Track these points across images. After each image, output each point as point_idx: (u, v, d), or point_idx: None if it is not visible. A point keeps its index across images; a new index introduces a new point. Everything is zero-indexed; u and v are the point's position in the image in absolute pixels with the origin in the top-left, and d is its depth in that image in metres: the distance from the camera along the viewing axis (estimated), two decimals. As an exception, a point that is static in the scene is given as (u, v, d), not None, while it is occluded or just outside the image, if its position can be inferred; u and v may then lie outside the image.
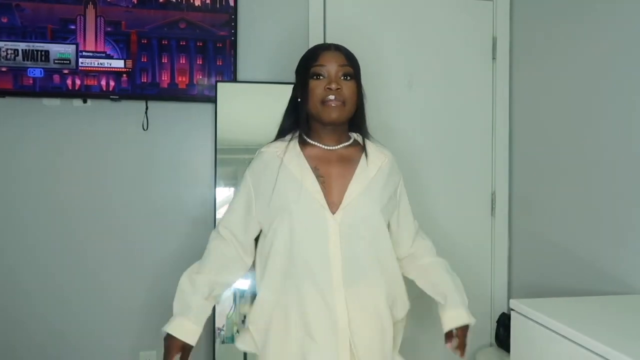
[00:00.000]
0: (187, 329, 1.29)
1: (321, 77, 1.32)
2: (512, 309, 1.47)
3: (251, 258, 1.40)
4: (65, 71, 1.96)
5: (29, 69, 1.94)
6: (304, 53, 1.42)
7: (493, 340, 2.32)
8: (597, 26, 1.81)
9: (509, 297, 2.34)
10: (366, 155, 1.37)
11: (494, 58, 2.35)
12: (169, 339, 1.29)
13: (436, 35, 2.31)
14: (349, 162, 1.36)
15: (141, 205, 2.14)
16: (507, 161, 2.35)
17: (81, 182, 2.10)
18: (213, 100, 2.08)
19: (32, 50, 1.94)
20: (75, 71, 1.97)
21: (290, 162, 1.32)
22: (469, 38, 2.33)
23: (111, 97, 2.03)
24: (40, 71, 1.94)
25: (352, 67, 1.35)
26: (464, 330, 1.39)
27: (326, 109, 1.30)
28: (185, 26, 2.05)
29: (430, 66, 2.31)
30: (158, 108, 2.13)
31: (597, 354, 1.12)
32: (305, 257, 1.27)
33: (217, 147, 2.07)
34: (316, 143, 1.36)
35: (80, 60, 1.98)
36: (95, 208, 2.11)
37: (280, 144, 1.36)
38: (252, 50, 2.18)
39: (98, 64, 1.99)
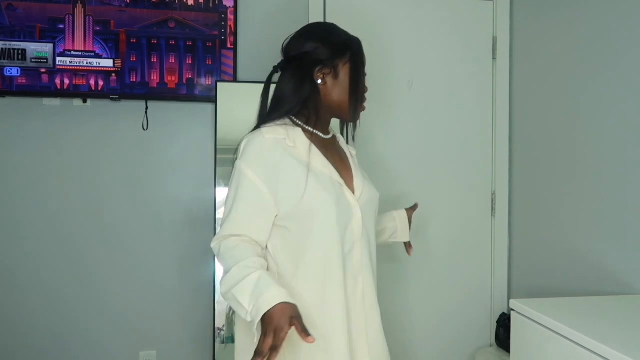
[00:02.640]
0: (279, 293, 1.04)
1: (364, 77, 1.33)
2: (512, 309, 1.47)
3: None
4: (43, 70, 1.96)
5: (5, 68, 1.93)
6: (337, 31, 1.31)
7: (493, 340, 2.32)
8: (597, 26, 1.81)
9: (509, 297, 2.34)
10: (353, 138, 1.38)
11: (494, 58, 2.35)
12: (270, 315, 1.01)
13: (436, 35, 2.31)
14: (339, 150, 1.36)
15: (141, 205, 2.14)
16: (507, 161, 2.35)
17: (81, 182, 2.10)
18: (213, 100, 2.08)
19: (9, 49, 1.93)
20: (53, 70, 1.96)
21: (314, 158, 1.20)
22: (469, 38, 2.33)
23: (111, 97, 2.03)
24: (17, 70, 1.94)
25: None
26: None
27: (360, 110, 1.32)
28: (175, 25, 2.05)
29: (430, 66, 2.31)
30: (158, 108, 2.13)
31: (597, 354, 1.12)
32: (338, 250, 1.19)
33: (217, 147, 2.07)
34: (318, 132, 1.27)
35: (64, 59, 1.97)
36: (95, 208, 2.11)
37: (282, 131, 1.20)
38: (252, 50, 2.18)
39: (87, 63, 1.99)
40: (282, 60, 1.29)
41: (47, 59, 1.95)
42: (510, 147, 2.35)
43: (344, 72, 1.25)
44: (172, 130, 2.16)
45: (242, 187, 1.16)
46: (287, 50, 1.28)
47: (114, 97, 2.03)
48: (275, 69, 1.30)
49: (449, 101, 2.32)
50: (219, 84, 2.06)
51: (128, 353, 2.13)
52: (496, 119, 2.35)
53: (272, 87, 1.32)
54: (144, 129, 2.13)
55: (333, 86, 1.25)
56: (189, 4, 2.07)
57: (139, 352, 2.14)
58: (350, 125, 1.36)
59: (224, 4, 2.10)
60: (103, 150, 2.12)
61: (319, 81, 1.24)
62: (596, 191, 1.80)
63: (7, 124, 2.05)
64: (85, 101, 2.08)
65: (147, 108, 2.11)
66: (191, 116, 2.16)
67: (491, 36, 2.35)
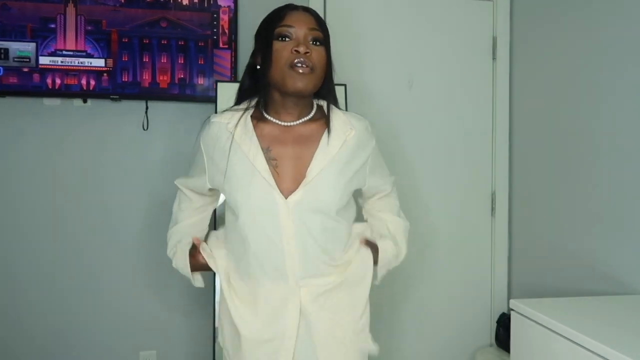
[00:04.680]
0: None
1: (287, 39, 1.16)
2: (512, 309, 1.47)
3: (216, 204, 1.43)
4: (25, 69, 1.95)
5: None
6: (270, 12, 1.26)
7: (493, 340, 2.32)
8: (597, 26, 1.81)
9: (509, 297, 2.34)
10: (329, 131, 1.22)
11: (494, 58, 2.35)
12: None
13: (436, 35, 2.31)
14: (307, 142, 1.21)
15: (141, 205, 2.14)
16: (507, 161, 2.35)
17: (81, 182, 2.10)
18: (213, 100, 2.08)
19: None
20: (35, 69, 1.95)
21: (242, 140, 1.19)
22: (469, 38, 2.33)
23: (111, 97, 2.03)
24: (0, 69, 1.94)
25: (322, 32, 1.20)
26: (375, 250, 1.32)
27: (293, 75, 1.14)
28: (167, 25, 2.05)
29: (430, 66, 2.31)
30: (158, 108, 2.13)
31: (597, 354, 1.12)
32: (255, 249, 1.19)
33: (217, 147, 2.07)
34: (272, 119, 1.22)
35: (55, 58, 1.97)
36: (95, 208, 2.11)
37: (232, 115, 1.23)
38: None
39: (79, 62, 1.99)
40: None
41: (29, 58, 1.95)
42: (510, 147, 2.35)
43: (264, 46, 1.21)
44: (172, 130, 2.16)
45: (195, 156, 1.31)
46: None
47: (114, 97, 2.03)
48: None
49: (449, 101, 2.32)
50: (218, 84, 2.06)
51: (128, 353, 2.13)
52: (496, 119, 2.35)
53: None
54: (144, 129, 2.13)
55: (265, 62, 1.20)
56: (184, 3, 2.07)
57: (139, 352, 2.14)
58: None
59: (219, 3, 2.10)
60: (103, 150, 2.12)
61: (258, 66, 1.23)
62: (596, 191, 1.80)
63: (7, 124, 2.05)
64: (85, 101, 2.08)
65: (147, 108, 2.11)
66: (191, 116, 2.16)
67: (491, 36, 2.35)
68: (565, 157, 1.96)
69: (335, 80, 1.29)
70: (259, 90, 1.23)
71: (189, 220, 1.37)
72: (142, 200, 2.15)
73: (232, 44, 2.12)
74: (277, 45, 1.17)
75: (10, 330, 2.06)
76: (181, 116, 2.16)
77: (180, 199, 1.40)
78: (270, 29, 1.19)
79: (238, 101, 1.29)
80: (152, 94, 2.07)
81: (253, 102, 1.25)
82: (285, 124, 1.22)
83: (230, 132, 1.20)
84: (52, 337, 2.08)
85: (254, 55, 1.26)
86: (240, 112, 1.23)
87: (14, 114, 2.05)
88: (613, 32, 1.74)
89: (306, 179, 1.17)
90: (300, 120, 1.23)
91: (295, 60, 1.14)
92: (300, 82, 1.15)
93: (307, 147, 1.21)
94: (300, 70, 1.14)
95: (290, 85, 1.15)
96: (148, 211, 2.15)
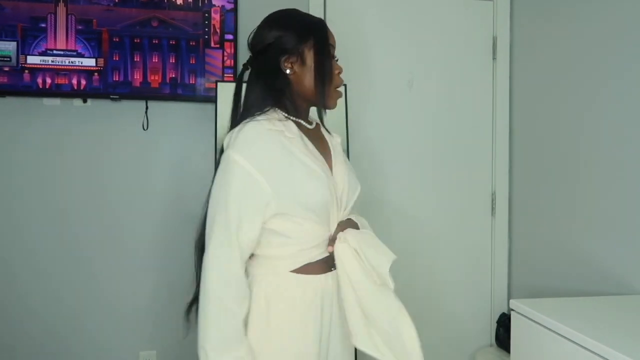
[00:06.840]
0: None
1: (335, 59, 1.23)
2: (512, 309, 1.47)
3: None
4: (6, 68, 1.94)
5: None
6: (298, 16, 1.21)
7: (493, 341, 2.32)
8: (597, 26, 1.81)
9: (509, 297, 2.34)
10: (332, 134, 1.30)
11: (494, 58, 2.35)
12: None
13: (436, 35, 2.31)
14: (324, 141, 1.26)
15: (141, 205, 2.14)
16: (507, 161, 2.35)
17: (81, 182, 2.10)
18: (213, 100, 2.08)
19: None
20: (16, 69, 1.95)
21: (304, 149, 1.14)
22: (469, 38, 2.33)
23: (111, 96, 2.03)
24: None
25: None
26: None
27: (336, 96, 1.21)
28: (158, 24, 2.04)
29: (430, 66, 2.31)
30: (158, 108, 2.13)
31: (597, 354, 1.12)
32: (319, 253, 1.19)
33: (217, 147, 2.07)
34: (302, 121, 1.21)
35: (46, 58, 1.96)
36: (95, 208, 2.11)
37: (279, 123, 1.15)
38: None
39: (69, 62, 1.99)
40: (250, 56, 1.23)
41: (10, 57, 1.94)
42: (510, 147, 2.35)
43: (310, 57, 1.16)
44: (172, 130, 2.16)
45: (231, 183, 1.13)
46: (252, 44, 1.22)
47: (115, 97, 2.03)
48: (245, 67, 1.23)
49: (449, 101, 2.32)
50: (219, 84, 2.06)
51: (128, 353, 2.13)
52: (496, 119, 2.34)
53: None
54: (144, 129, 2.13)
55: (302, 73, 1.17)
56: (178, 3, 2.07)
57: (139, 352, 2.14)
58: (322, 111, 1.25)
59: (213, 2, 2.10)
60: (103, 150, 2.12)
61: (288, 71, 1.17)
62: (596, 191, 1.80)
63: (7, 124, 2.05)
64: (85, 101, 2.08)
65: (147, 108, 2.11)
66: (191, 116, 2.16)
67: (491, 36, 2.35)
68: (565, 157, 1.96)
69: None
70: (287, 96, 1.19)
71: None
72: (142, 200, 2.14)
73: (224, 43, 2.11)
74: (333, 64, 1.20)
75: (10, 330, 2.05)
76: (181, 116, 2.16)
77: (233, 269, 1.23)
78: (323, 43, 1.18)
79: (250, 107, 1.20)
80: (143, 93, 2.06)
81: (277, 110, 1.19)
82: (310, 126, 1.26)
83: (291, 137, 1.20)
84: (52, 336, 2.08)
85: (279, 57, 1.17)
86: (284, 120, 1.18)
87: (14, 113, 2.05)
88: (613, 32, 1.74)
89: (342, 185, 1.24)
90: (314, 124, 1.28)
91: (339, 84, 1.22)
92: (337, 102, 1.22)
93: (326, 146, 1.27)
94: (339, 93, 1.23)
95: (331, 105, 1.21)
96: (148, 211, 2.15)
